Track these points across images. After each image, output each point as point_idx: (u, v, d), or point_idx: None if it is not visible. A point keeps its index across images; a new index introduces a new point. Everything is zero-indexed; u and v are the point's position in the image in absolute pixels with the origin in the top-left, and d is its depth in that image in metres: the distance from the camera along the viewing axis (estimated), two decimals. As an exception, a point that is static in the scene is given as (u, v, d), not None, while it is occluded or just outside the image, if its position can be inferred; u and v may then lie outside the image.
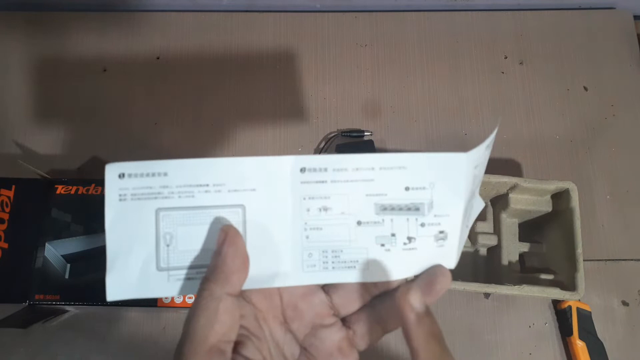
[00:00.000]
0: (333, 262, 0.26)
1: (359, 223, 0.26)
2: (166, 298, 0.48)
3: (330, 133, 0.60)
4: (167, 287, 0.25)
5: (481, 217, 0.55)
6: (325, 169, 0.26)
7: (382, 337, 0.28)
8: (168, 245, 0.25)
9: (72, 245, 0.49)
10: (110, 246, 0.25)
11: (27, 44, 0.64)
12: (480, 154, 0.26)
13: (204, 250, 0.25)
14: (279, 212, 0.26)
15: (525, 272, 0.54)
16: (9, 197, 0.50)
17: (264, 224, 0.26)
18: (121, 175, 0.25)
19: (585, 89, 0.64)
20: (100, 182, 0.51)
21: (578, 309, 0.52)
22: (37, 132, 0.60)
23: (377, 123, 0.61)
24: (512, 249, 0.54)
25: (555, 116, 0.62)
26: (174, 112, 0.62)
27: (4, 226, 0.49)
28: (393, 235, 0.26)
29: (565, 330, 0.53)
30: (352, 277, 0.27)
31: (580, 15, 0.67)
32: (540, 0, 0.67)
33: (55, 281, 0.48)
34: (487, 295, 0.55)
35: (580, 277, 0.49)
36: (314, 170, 0.26)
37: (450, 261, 0.27)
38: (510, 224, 0.55)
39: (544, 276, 0.52)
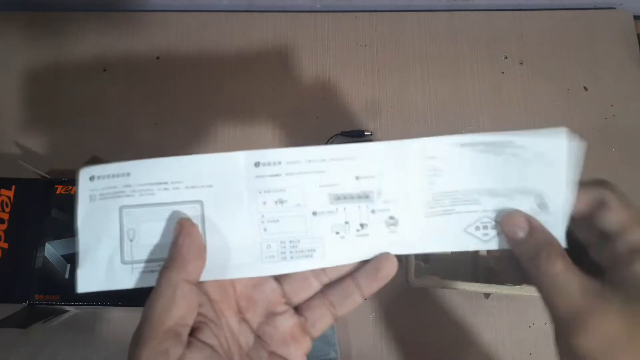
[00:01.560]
0: (291, 252, 0.28)
1: (314, 213, 0.28)
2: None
3: (331, 133, 0.60)
4: (131, 279, 0.27)
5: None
6: (279, 162, 0.27)
7: (332, 323, 0.29)
8: (131, 240, 0.27)
9: (72, 245, 0.49)
10: (81, 242, 0.27)
11: (27, 44, 0.64)
12: (439, 147, 0.28)
13: (164, 244, 0.27)
14: (236, 206, 0.27)
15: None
16: (9, 197, 0.50)
17: (222, 218, 0.27)
18: (92, 178, 0.27)
19: (585, 89, 0.64)
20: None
21: (578, 309, 0.52)
22: (37, 132, 0.60)
23: (377, 123, 0.61)
24: (512, 249, 0.54)
25: (555, 116, 0.62)
26: (174, 112, 0.62)
27: (4, 226, 0.49)
28: (347, 222, 0.28)
29: (565, 330, 0.53)
30: (310, 265, 0.28)
31: (580, 15, 0.67)
32: (540, 0, 0.67)
33: (55, 281, 0.48)
34: (487, 295, 0.55)
35: (580, 277, 0.48)
36: (268, 164, 0.27)
37: (400, 247, 0.28)
38: (510, 224, 0.55)
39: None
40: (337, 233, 0.28)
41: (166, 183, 0.27)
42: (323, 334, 0.51)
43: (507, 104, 0.63)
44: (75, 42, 0.64)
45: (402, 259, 0.54)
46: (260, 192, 0.27)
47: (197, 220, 0.27)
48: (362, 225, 0.28)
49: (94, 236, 0.27)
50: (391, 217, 0.28)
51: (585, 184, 0.27)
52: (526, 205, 0.28)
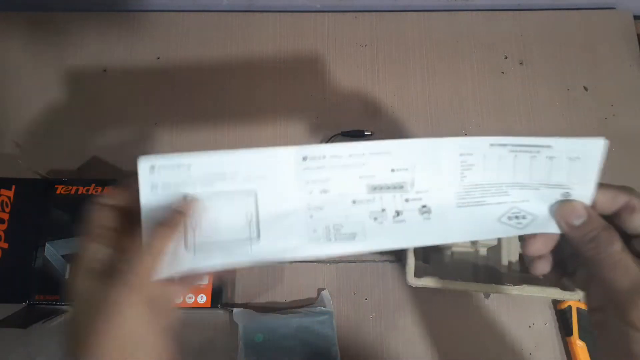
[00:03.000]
0: (335, 235, 0.30)
1: (354, 202, 0.30)
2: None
3: (331, 133, 0.60)
4: (194, 262, 0.29)
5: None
6: (324, 157, 0.30)
7: None
8: (193, 228, 0.29)
9: (72, 245, 0.49)
10: (145, 229, 0.28)
11: (27, 44, 0.64)
12: (471, 144, 0.30)
13: (223, 229, 0.29)
14: (286, 195, 0.30)
15: (525, 272, 0.54)
16: (9, 197, 0.50)
17: (274, 205, 0.30)
18: (152, 167, 0.29)
19: (585, 89, 0.64)
20: (100, 182, 0.51)
21: (578, 309, 0.52)
22: (37, 132, 0.60)
23: (377, 123, 0.61)
24: (512, 249, 0.54)
25: (555, 116, 0.62)
26: (174, 112, 0.62)
27: (4, 226, 0.49)
28: (383, 210, 0.30)
29: (565, 330, 0.53)
30: (352, 247, 0.30)
31: (580, 15, 0.67)
32: (540, 0, 0.67)
33: (55, 281, 0.48)
34: (487, 295, 0.55)
35: (580, 277, 0.49)
36: (314, 158, 0.30)
37: (436, 236, 0.31)
38: (510, 224, 0.55)
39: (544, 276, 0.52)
40: (375, 219, 0.30)
41: (224, 174, 0.29)
42: (323, 334, 0.51)
43: (507, 104, 0.63)
44: (75, 42, 0.64)
45: (402, 259, 0.54)
46: (307, 183, 0.30)
47: (251, 207, 0.29)
48: (397, 213, 0.30)
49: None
50: (424, 206, 0.31)
51: (611, 186, 0.31)
52: (552, 197, 0.30)
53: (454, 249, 0.55)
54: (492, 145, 0.30)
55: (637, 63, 0.64)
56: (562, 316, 0.53)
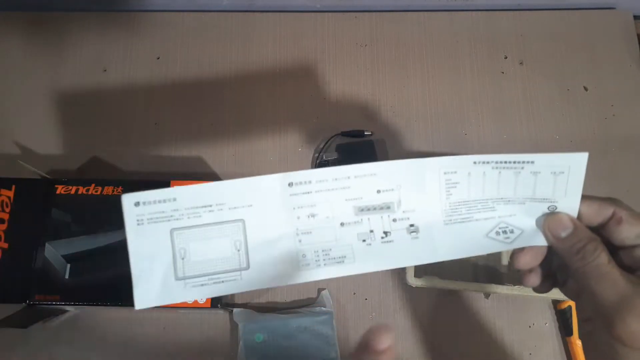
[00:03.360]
0: (324, 260, 0.31)
1: (342, 224, 0.31)
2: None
3: (331, 133, 0.60)
4: (185, 293, 0.30)
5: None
6: (310, 182, 0.30)
7: None
8: (183, 259, 0.30)
9: (72, 245, 0.49)
10: (134, 264, 0.29)
11: (27, 44, 0.64)
12: (455, 163, 0.30)
13: (213, 260, 0.30)
14: (273, 221, 0.30)
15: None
16: (9, 197, 0.50)
17: (262, 233, 0.30)
18: (137, 204, 0.29)
19: (585, 89, 0.64)
20: (100, 182, 0.51)
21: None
22: (37, 132, 0.60)
23: (377, 123, 0.61)
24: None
25: (555, 116, 0.62)
26: (174, 112, 0.62)
27: (4, 226, 0.49)
28: (371, 231, 0.31)
29: (565, 330, 0.53)
30: (342, 270, 0.31)
31: (580, 15, 0.67)
32: (540, 0, 0.67)
33: (55, 281, 0.48)
34: (487, 295, 0.55)
35: (580, 277, 0.49)
36: (300, 183, 0.30)
37: (425, 255, 0.31)
38: (510, 224, 0.55)
39: (544, 276, 0.52)
40: (364, 241, 0.31)
41: (211, 205, 0.29)
42: (323, 334, 0.51)
43: (507, 104, 0.63)
44: (75, 42, 0.64)
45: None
46: (294, 208, 0.30)
47: (239, 236, 0.30)
48: (385, 233, 0.31)
49: (147, 257, 0.29)
50: (411, 225, 0.31)
51: (597, 197, 0.31)
52: (539, 210, 0.31)
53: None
54: (475, 163, 0.30)
55: (637, 63, 0.64)
56: (562, 316, 0.53)
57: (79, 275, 0.48)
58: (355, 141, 0.59)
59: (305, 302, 0.55)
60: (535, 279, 0.33)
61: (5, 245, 0.49)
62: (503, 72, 0.64)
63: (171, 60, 0.64)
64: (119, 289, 0.48)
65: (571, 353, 0.52)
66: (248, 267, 0.30)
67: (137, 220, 0.29)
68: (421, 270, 0.52)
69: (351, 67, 0.64)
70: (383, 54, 0.65)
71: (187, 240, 0.29)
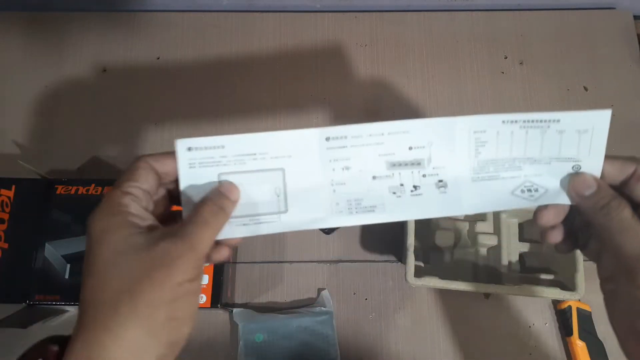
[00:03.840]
0: (356, 208, 0.33)
1: (374, 177, 0.33)
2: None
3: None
4: (229, 230, 0.32)
5: (481, 217, 0.55)
6: (345, 137, 0.32)
7: None
8: None
9: (72, 245, 0.49)
10: (185, 204, 0.31)
11: (27, 44, 0.64)
12: (484, 122, 0.32)
13: (255, 202, 0.32)
14: (311, 172, 0.32)
15: (525, 272, 0.54)
16: (9, 197, 0.50)
17: (300, 181, 0.32)
18: (189, 149, 0.32)
19: (585, 89, 0.64)
20: (100, 182, 0.51)
21: (578, 309, 0.52)
22: (37, 132, 0.60)
23: (377, 123, 0.61)
24: (512, 249, 0.54)
25: (555, 116, 0.62)
26: (174, 112, 0.62)
27: (4, 226, 0.49)
28: (402, 185, 0.33)
29: (565, 330, 0.53)
30: (372, 218, 0.33)
31: (580, 15, 0.67)
32: (540, 0, 0.67)
33: (55, 281, 0.48)
34: (487, 295, 0.55)
35: (580, 277, 0.49)
36: (337, 138, 0.32)
37: (452, 207, 0.33)
38: (510, 224, 0.55)
39: (544, 276, 0.52)
40: (394, 193, 0.33)
41: (255, 154, 0.32)
42: (323, 334, 0.51)
43: (507, 104, 0.63)
44: (75, 42, 0.64)
45: (402, 259, 0.54)
46: (330, 161, 0.32)
47: (280, 184, 0.32)
48: (415, 187, 0.33)
49: (197, 197, 0.31)
50: (440, 180, 0.33)
51: (618, 157, 0.32)
52: (563, 170, 0.32)
53: (454, 249, 0.55)
54: (504, 122, 0.32)
55: (637, 63, 0.64)
56: (562, 316, 0.53)
57: (79, 275, 0.48)
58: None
59: (305, 302, 0.55)
60: (557, 235, 0.34)
61: (5, 245, 0.49)
62: (503, 72, 0.64)
63: (171, 60, 0.64)
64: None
65: (571, 353, 0.52)
66: (286, 210, 0.32)
67: (189, 164, 0.32)
68: (421, 270, 0.52)
69: (351, 67, 0.64)
70: (383, 54, 0.65)
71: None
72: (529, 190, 0.33)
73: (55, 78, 0.63)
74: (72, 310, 0.53)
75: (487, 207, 0.34)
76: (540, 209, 0.33)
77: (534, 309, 0.55)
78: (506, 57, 0.65)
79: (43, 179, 0.52)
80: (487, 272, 0.54)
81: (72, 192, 0.51)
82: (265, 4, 0.67)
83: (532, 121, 0.31)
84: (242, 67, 0.64)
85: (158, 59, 0.64)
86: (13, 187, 0.51)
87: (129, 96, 0.62)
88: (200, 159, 0.32)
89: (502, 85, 0.64)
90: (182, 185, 0.31)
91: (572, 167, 0.32)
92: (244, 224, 0.32)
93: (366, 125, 0.32)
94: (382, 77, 0.64)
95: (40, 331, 0.52)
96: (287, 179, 0.32)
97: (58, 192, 0.51)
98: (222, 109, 0.62)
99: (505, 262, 0.53)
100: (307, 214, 0.33)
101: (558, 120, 0.31)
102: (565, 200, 0.32)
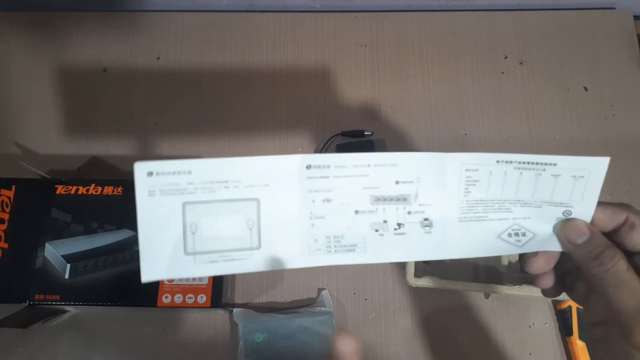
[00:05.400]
0: (335, 246, 0.31)
1: (356, 212, 0.30)
2: (166, 297, 0.48)
3: (331, 133, 0.60)
4: (194, 268, 0.29)
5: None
6: (328, 166, 0.29)
7: None
8: (194, 233, 0.29)
9: (72, 245, 0.49)
10: (142, 235, 0.28)
11: (27, 44, 0.64)
12: (477, 161, 0.30)
13: (224, 237, 0.29)
14: (288, 203, 0.30)
15: (525, 272, 0.54)
16: (9, 197, 0.50)
17: (276, 214, 0.30)
18: (149, 174, 0.28)
19: (585, 89, 0.64)
20: (100, 182, 0.51)
21: (578, 309, 0.52)
22: (37, 132, 0.60)
23: (377, 123, 0.61)
24: (512, 249, 0.54)
25: (555, 116, 0.62)
26: (174, 112, 0.62)
27: (4, 226, 0.49)
28: (385, 221, 0.31)
29: (565, 330, 0.53)
30: (351, 259, 0.31)
31: (580, 15, 0.67)
32: (540, 0, 0.67)
33: (55, 281, 0.48)
34: (487, 295, 0.55)
35: (580, 277, 0.49)
36: (319, 167, 0.29)
37: (437, 252, 0.31)
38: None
39: (544, 276, 0.52)
40: (377, 231, 0.31)
41: (227, 182, 0.28)
42: (323, 334, 0.51)
43: (507, 104, 0.63)
44: (75, 42, 0.64)
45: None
46: (310, 192, 0.30)
47: (253, 215, 0.29)
48: (399, 225, 0.31)
49: (156, 229, 0.28)
50: (426, 219, 0.31)
51: (610, 203, 0.31)
52: (553, 215, 0.31)
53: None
54: (498, 161, 0.30)
55: (637, 63, 0.64)
56: (562, 316, 0.53)
57: (79, 275, 0.48)
58: (355, 141, 0.59)
59: (305, 302, 0.55)
60: (549, 280, 0.33)
61: (5, 245, 0.49)
62: (503, 72, 0.64)
63: (171, 60, 0.64)
64: (119, 289, 0.48)
65: (571, 353, 0.52)
66: (259, 246, 0.30)
67: (149, 191, 0.28)
68: (421, 270, 0.52)
69: (351, 67, 0.64)
70: (383, 54, 0.65)
71: (200, 215, 0.29)
72: (517, 235, 0.31)
73: (55, 78, 0.63)
74: (72, 310, 0.53)
75: (473, 252, 0.32)
76: (530, 257, 0.32)
77: (534, 309, 0.55)
78: (506, 57, 0.65)
79: (43, 179, 0.52)
80: (487, 272, 0.54)
81: (72, 192, 0.51)
82: (265, 4, 0.67)
83: (528, 163, 0.30)
84: (242, 67, 0.64)
85: (158, 59, 0.64)
86: (13, 187, 0.51)
87: (129, 96, 0.62)
88: (161, 185, 0.28)
89: (502, 85, 0.64)
90: (140, 216, 0.28)
91: (563, 213, 0.31)
92: (212, 261, 0.29)
93: (351, 155, 0.30)
94: (382, 77, 0.64)
95: (40, 331, 0.52)
96: (262, 211, 0.29)
97: (58, 192, 0.51)
98: (222, 109, 0.62)
99: (505, 262, 0.53)
100: (282, 251, 0.30)
101: (555, 164, 0.30)
102: (555, 246, 0.31)
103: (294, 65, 0.64)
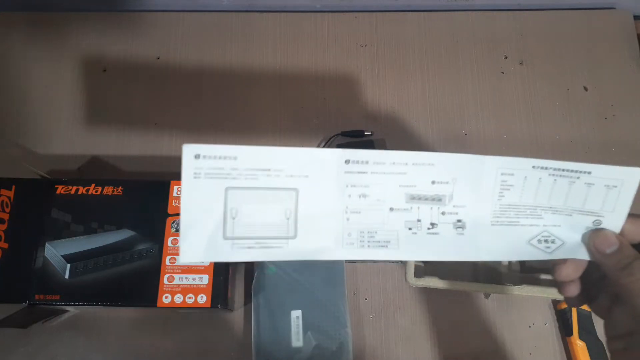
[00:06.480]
0: (369, 242, 0.31)
1: (391, 209, 0.31)
2: (166, 297, 0.48)
3: (331, 134, 0.60)
4: (231, 253, 0.29)
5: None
6: (367, 162, 0.30)
7: None
8: (233, 219, 0.29)
9: (72, 245, 0.49)
10: (184, 216, 0.29)
11: (27, 44, 0.64)
12: (514, 165, 0.31)
13: (263, 224, 0.30)
14: (325, 196, 0.30)
15: (525, 272, 0.54)
16: (9, 197, 0.50)
17: (313, 205, 0.30)
18: (197, 156, 0.28)
19: (585, 89, 0.64)
20: (100, 182, 0.51)
21: (578, 309, 0.52)
22: (38, 132, 0.60)
23: (377, 123, 0.61)
24: (512, 249, 0.54)
25: (555, 116, 0.62)
26: (174, 112, 0.62)
27: (4, 226, 0.49)
28: (419, 220, 0.31)
29: (565, 330, 0.53)
30: (384, 255, 0.31)
31: (580, 15, 0.67)
32: (540, 0, 0.67)
33: (55, 281, 0.48)
34: (487, 295, 0.55)
35: (580, 277, 0.49)
36: (357, 162, 0.30)
37: (468, 252, 0.31)
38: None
39: (544, 276, 0.52)
40: (410, 229, 0.31)
41: (269, 170, 0.29)
42: (333, 267, 0.52)
43: (507, 104, 0.63)
44: (75, 42, 0.64)
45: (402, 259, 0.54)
46: (347, 186, 0.30)
47: (291, 205, 0.30)
48: (432, 225, 0.31)
49: (198, 211, 0.29)
50: (459, 220, 0.31)
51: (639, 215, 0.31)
52: (583, 223, 0.32)
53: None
54: (534, 167, 0.31)
55: (637, 63, 0.64)
56: (562, 316, 0.53)
57: (79, 275, 0.48)
58: (356, 141, 0.59)
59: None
60: (575, 289, 0.33)
61: (5, 245, 0.49)
62: (503, 72, 0.64)
63: (171, 60, 0.64)
64: (118, 289, 0.48)
65: (571, 353, 0.52)
66: (295, 236, 0.30)
67: (195, 173, 0.28)
68: (421, 270, 0.52)
69: (351, 67, 0.64)
70: (383, 54, 0.65)
71: (241, 200, 0.29)
72: (546, 241, 0.32)
73: (55, 78, 0.63)
74: (72, 310, 0.53)
75: (503, 255, 0.32)
76: (559, 263, 0.32)
77: (534, 309, 0.55)
78: (506, 57, 0.65)
79: (43, 179, 0.52)
80: (487, 272, 0.54)
81: (72, 192, 0.51)
82: (265, 4, 0.67)
83: (563, 170, 0.31)
84: (242, 67, 0.64)
85: (158, 59, 0.64)
86: (13, 187, 0.50)
87: (129, 96, 0.62)
88: (207, 168, 0.29)
89: (502, 85, 0.64)
90: (184, 197, 0.29)
91: (593, 222, 0.31)
92: (249, 247, 0.30)
93: (391, 152, 0.30)
94: (382, 77, 0.64)
95: (40, 331, 0.52)
96: (300, 201, 0.30)
97: (58, 192, 0.51)
98: (222, 109, 0.62)
99: (505, 262, 0.53)
100: (317, 242, 0.31)
101: (589, 173, 0.30)
102: (583, 255, 0.32)
103: (294, 65, 0.64)
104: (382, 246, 0.31)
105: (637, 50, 0.65)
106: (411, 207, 0.31)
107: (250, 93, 0.63)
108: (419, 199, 0.31)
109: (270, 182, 0.29)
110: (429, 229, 0.31)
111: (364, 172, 0.30)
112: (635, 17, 0.67)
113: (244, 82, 0.63)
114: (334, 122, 0.61)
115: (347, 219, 0.31)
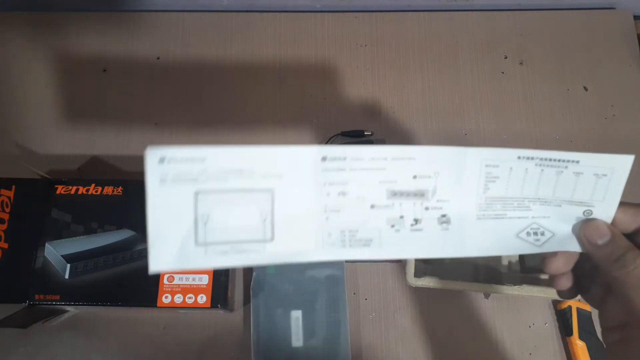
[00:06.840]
0: (350, 241, 0.30)
1: (372, 206, 0.30)
2: (166, 297, 0.48)
3: (331, 134, 0.60)
4: (205, 260, 0.28)
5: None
6: (344, 158, 0.29)
7: None
8: (205, 224, 0.28)
9: (72, 245, 0.49)
10: (151, 224, 0.27)
11: (27, 44, 0.64)
12: (498, 156, 0.29)
13: (237, 228, 0.28)
14: (303, 195, 0.29)
15: (525, 272, 0.54)
16: (9, 197, 0.50)
17: (290, 205, 0.29)
18: (161, 160, 0.26)
19: (585, 89, 0.64)
20: (100, 182, 0.51)
21: (578, 309, 0.52)
22: (38, 132, 0.60)
23: (377, 123, 0.61)
24: (512, 249, 0.54)
25: (555, 116, 0.62)
26: (174, 112, 0.62)
27: (4, 226, 0.49)
28: (401, 217, 0.30)
29: (565, 330, 0.53)
30: (366, 254, 0.30)
31: (580, 15, 0.67)
32: (540, 0, 0.67)
33: (55, 281, 0.48)
34: (487, 295, 0.55)
35: (580, 277, 0.49)
36: (335, 159, 0.29)
37: (453, 248, 0.30)
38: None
39: (544, 276, 0.52)
40: (393, 226, 0.30)
41: (241, 171, 0.27)
42: (332, 274, 0.51)
43: (507, 104, 0.63)
44: (75, 42, 0.64)
45: (402, 259, 0.54)
46: (325, 184, 0.29)
47: (266, 207, 0.28)
48: (415, 220, 0.30)
49: (166, 218, 0.27)
50: (443, 215, 0.30)
51: (632, 204, 0.30)
52: (573, 214, 0.31)
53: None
54: (519, 157, 0.30)
55: (637, 63, 0.64)
56: (562, 316, 0.53)
57: (79, 275, 0.48)
58: (355, 141, 0.59)
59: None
60: (566, 281, 0.32)
61: (5, 245, 0.49)
62: (503, 72, 0.64)
63: (171, 60, 0.64)
64: (118, 289, 0.48)
65: (571, 353, 0.52)
66: (272, 239, 0.29)
67: (160, 179, 0.27)
68: (421, 270, 0.52)
69: (351, 67, 0.64)
70: (383, 54, 0.65)
71: (212, 204, 0.28)
72: (535, 234, 0.31)
73: (55, 78, 0.63)
74: (72, 310, 0.53)
75: (490, 251, 0.31)
76: (548, 257, 0.31)
77: (534, 309, 0.55)
78: (506, 57, 0.65)
79: (43, 179, 0.52)
80: (487, 272, 0.54)
81: (72, 192, 0.51)
82: (265, 4, 0.67)
83: (550, 159, 0.30)
84: (242, 67, 0.64)
85: (158, 59, 0.64)
86: (13, 187, 0.51)
87: (129, 96, 0.62)
88: (174, 173, 0.27)
89: (502, 85, 0.64)
90: (150, 204, 0.27)
91: (583, 212, 0.30)
92: (223, 252, 0.28)
93: (369, 147, 0.29)
94: (382, 77, 0.64)
95: (40, 331, 0.52)
96: (276, 202, 0.28)
97: (58, 192, 0.51)
98: (222, 109, 0.62)
99: (505, 262, 0.53)
100: (296, 244, 0.29)
101: (577, 161, 0.29)
102: (574, 247, 0.31)
103: (294, 65, 0.64)
104: (364, 245, 0.30)
105: (637, 50, 0.65)
106: (393, 204, 0.30)
107: (250, 93, 0.63)
108: (401, 194, 0.30)
109: (243, 184, 0.28)
110: (412, 225, 0.30)
111: (342, 169, 0.29)
112: (635, 17, 0.67)
113: (244, 82, 0.63)
114: (334, 122, 0.61)
115: (327, 219, 0.29)
